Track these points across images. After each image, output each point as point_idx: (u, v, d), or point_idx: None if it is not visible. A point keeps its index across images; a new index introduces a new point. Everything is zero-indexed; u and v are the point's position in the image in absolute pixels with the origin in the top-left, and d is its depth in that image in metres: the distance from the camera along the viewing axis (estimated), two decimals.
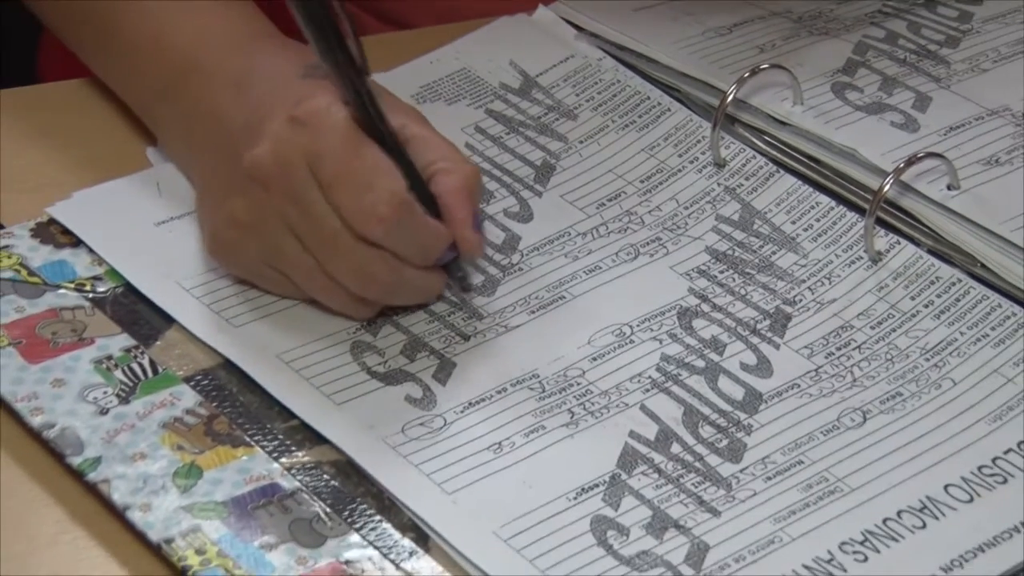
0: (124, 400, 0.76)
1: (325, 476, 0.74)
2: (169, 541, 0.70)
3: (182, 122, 0.84)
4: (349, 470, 0.74)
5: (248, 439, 0.75)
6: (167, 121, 0.86)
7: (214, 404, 0.76)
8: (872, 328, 0.81)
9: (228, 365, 0.78)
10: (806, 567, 0.70)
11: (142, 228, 0.85)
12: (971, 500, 0.73)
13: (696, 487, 0.73)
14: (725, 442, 0.75)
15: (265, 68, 0.81)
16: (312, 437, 0.75)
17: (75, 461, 0.73)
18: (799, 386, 0.78)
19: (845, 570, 0.70)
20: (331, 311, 0.80)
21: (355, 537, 0.71)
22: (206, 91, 0.82)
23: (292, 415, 0.76)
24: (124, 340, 0.79)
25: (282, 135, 0.77)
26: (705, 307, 0.82)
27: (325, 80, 0.77)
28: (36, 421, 0.75)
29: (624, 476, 0.74)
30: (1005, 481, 0.74)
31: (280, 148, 0.76)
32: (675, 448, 0.75)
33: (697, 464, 0.74)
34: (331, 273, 0.77)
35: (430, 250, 0.78)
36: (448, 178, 0.78)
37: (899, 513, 0.73)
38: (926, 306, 0.82)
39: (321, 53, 0.75)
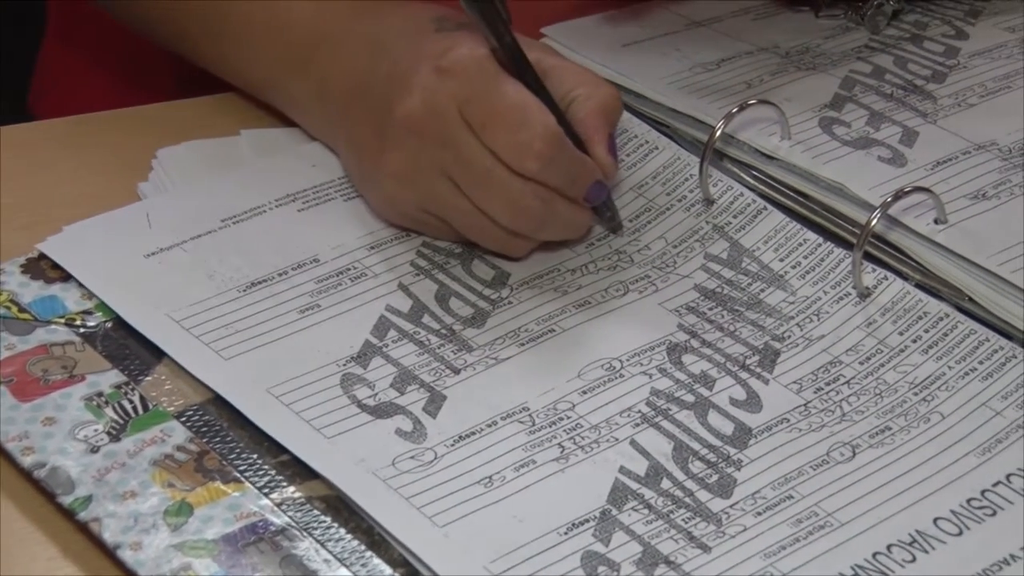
0: (115, 438, 0.76)
1: (315, 511, 0.74)
2: None
3: (316, 93, 0.89)
4: (340, 505, 0.74)
5: (238, 475, 0.75)
6: (299, 96, 0.90)
7: (204, 440, 0.76)
8: (861, 363, 0.82)
9: (218, 399, 0.78)
10: None
11: (131, 260, 0.85)
12: (960, 533, 0.73)
13: (686, 523, 0.73)
14: (715, 477, 0.76)
15: (395, 28, 0.87)
16: (303, 472, 0.75)
17: (66, 500, 0.73)
18: (788, 421, 0.79)
19: None
20: (320, 343, 0.81)
21: (345, 573, 0.71)
22: (339, 58, 0.87)
23: (282, 449, 0.76)
24: (114, 376, 0.79)
25: (431, 85, 0.82)
26: (694, 343, 0.82)
27: (459, 31, 0.83)
28: (27, 461, 0.74)
29: (615, 511, 0.74)
30: (994, 514, 0.74)
31: (430, 97, 0.82)
32: (665, 483, 0.75)
33: (687, 499, 0.75)
34: (486, 210, 0.83)
35: (580, 181, 0.83)
36: (587, 103, 0.84)
37: (889, 547, 0.73)
38: (914, 341, 0.82)
39: (468, 4, 0.81)
